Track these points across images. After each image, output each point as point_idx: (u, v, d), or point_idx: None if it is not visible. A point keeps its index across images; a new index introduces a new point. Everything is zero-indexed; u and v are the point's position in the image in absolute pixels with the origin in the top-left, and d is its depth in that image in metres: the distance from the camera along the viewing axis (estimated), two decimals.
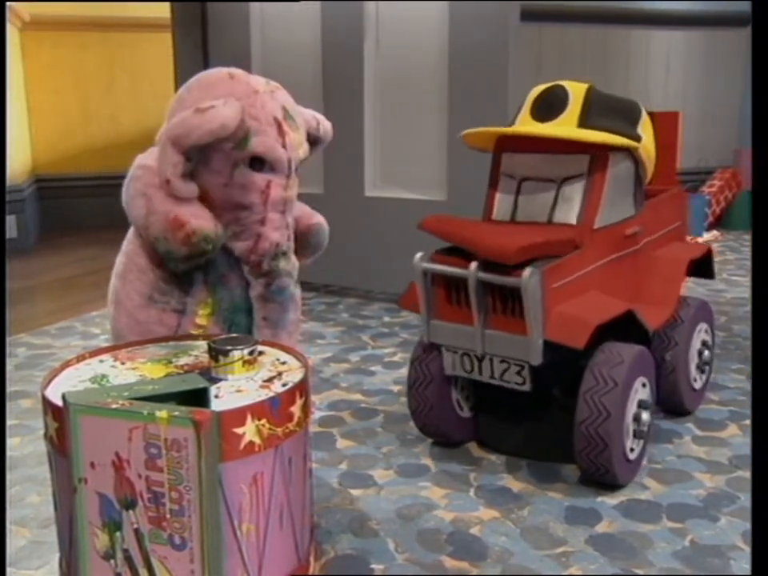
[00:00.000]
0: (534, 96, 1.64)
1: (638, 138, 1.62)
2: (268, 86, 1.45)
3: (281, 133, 1.41)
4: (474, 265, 1.48)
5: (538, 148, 1.60)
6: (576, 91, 1.59)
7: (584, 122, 1.57)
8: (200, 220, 1.38)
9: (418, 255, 1.57)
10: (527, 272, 1.41)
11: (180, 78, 3.33)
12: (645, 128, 1.66)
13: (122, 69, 5.00)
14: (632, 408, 1.50)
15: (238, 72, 1.45)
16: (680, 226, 1.94)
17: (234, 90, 1.39)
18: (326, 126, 1.59)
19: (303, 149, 1.47)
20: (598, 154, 1.56)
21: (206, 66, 3.22)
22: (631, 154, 1.63)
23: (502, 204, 1.65)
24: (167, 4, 3.47)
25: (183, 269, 1.44)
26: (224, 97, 1.37)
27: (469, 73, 2.68)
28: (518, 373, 1.50)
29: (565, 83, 1.62)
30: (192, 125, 1.33)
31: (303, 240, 1.56)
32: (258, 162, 1.39)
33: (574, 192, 1.57)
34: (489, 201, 1.67)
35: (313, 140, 1.55)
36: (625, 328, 1.57)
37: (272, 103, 1.42)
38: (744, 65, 4.84)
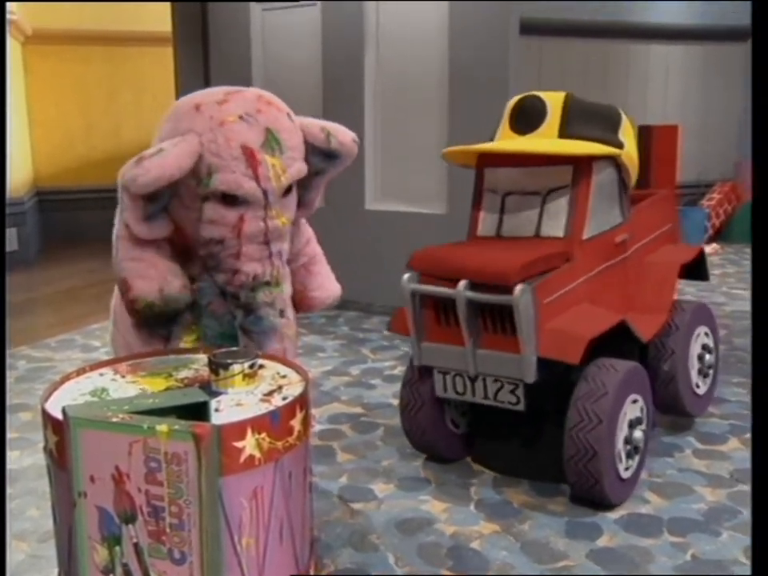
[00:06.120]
0: (511, 108, 1.64)
1: (620, 145, 1.62)
2: (254, 106, 1.36)
3: (252, 163, 1.33)
4: (462, 284, 1.47)
5: (521, 162, 1.59)
6: (553, 101, 1.59)
7: (564, 131, 1.57)
8: (144, 283, 1.35)
9: (406, 276, 1.54)
10: (519, 289, 1.40)
11: (181, 91, 3.34)
12: (626, 133, 1.66)
13: (124, 82, 5.02)
14: (622, 433, 1.49)
15: (206, 101, 1.36)
16: (670, 228, 1.92)
17: (195, 124, 1.34)
18: (341, 138, 1.47)
19: (287, 175, 1.37)
20: (582, 164, 1.56)
21: (206, 79, 3.24)
22: (614, 160, 1.63)
23: (486, 220, 1.65)
24: (169, 20, 3.49)
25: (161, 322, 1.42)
26: (186, 132, 1.33)
27: (469, 86, 2.69)
28: (512, 392, 1.50)
29: (541, 93, 1.62)
30: (132, 176, 1.30)
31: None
32: (230, 197, 1.33)
33: (560, 204, 1.57)
34: (473, 217, 1.66)
35: (327, 153, 1.46)
36: (619, 338, 1.56)
37: (244, 132, 1.33)
38: (743, 78, 4.86)
